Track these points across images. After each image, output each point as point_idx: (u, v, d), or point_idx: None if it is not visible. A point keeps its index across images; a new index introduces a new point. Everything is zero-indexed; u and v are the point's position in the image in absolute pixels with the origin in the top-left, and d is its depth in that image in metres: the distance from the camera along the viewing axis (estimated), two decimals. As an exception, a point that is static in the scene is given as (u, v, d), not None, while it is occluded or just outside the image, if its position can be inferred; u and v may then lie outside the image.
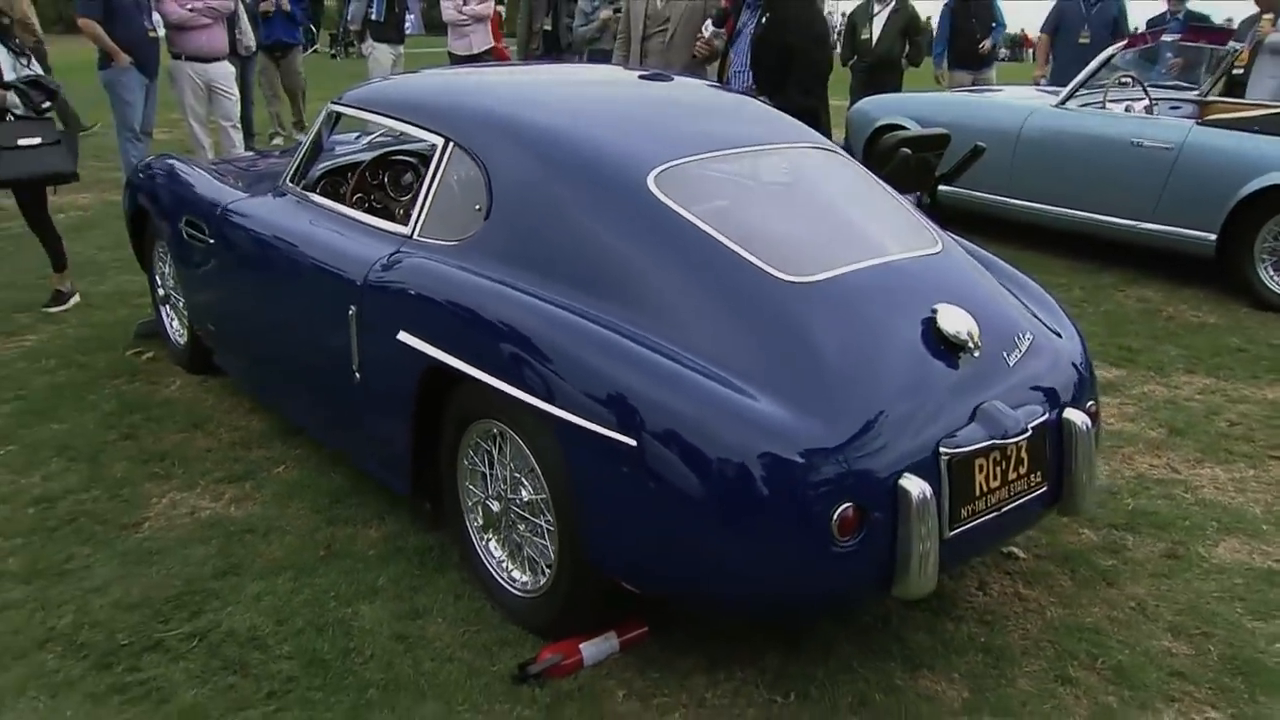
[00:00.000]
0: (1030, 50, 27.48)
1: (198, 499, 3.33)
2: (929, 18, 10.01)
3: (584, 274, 2.56)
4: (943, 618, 2.73)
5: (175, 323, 4.44)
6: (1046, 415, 2.48)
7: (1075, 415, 2.53)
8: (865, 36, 8.14)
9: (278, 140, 9.89)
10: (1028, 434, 2.38)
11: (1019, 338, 2.61)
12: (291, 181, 3.67)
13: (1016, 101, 6.99)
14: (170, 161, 4.36)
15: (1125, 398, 4.29)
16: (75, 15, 6.73)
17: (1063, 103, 6.48)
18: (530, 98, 3.23)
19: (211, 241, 3.78)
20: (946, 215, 5.88)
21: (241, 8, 8.60)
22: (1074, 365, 2.72)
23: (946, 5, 9.01)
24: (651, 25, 6.15)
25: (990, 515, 2.37)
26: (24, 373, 4.37)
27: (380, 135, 4.24)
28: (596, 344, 2.38)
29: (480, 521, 2.79)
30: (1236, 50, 6.85)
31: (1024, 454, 2.41)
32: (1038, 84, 8.38)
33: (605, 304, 2.47)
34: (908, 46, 8.18)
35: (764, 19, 5.43)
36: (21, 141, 4.69)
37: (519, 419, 2.50)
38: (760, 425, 2.20)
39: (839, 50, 8.63)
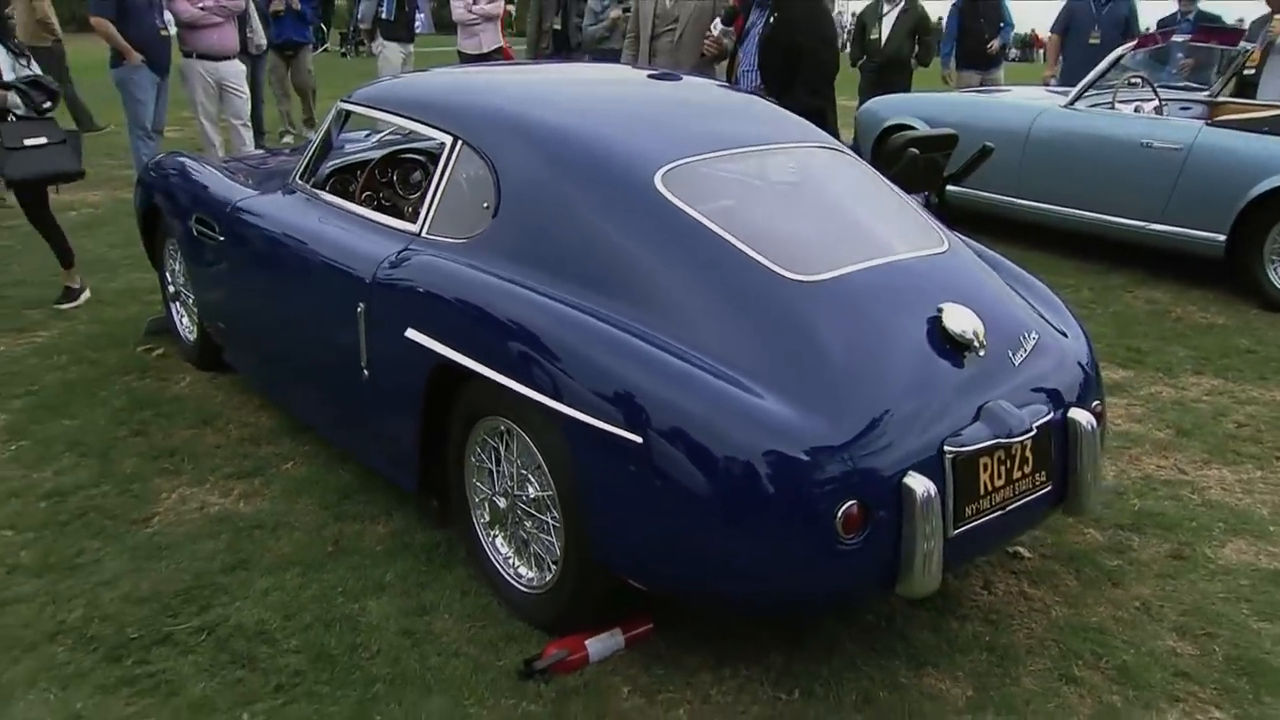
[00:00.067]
0: (1040, 50, 27.42)
1: (207, 494, 3.36)
2: (940, 19, 10.00)
3: (591, 272, 2.58)
4: (947, 616, 2.74)
5: (185, 320, 4.47)
6: (1051, 415, 2.49)
7: (1080, 415, 2.54)
8: (874, 36, 8.15)
9: (288, 138, 9.93)
10: (1032, 433, 2.39)
11: (1024, 337, 2.61)
12: (301, 179, 3.69)
13: (1025, 102, 6.97)
14: (181, 159, 4.38)
15: (1133, 398, 4.28)
16: (88, 14, 6.76)
17: (1072, 103, 6.47)
18: (538, 96, 3.24)
19: (221, 239, 3.80)
20: (955, 215, 5.90)
21: (252, 6, 8.66)
22: (1080, 365, 2.72)
23: (955, 5, 9.01)
24: (660, 24, 6.16)
25: (995, 514, 2.38)
26: (36, 369, 4.40)
27: (389, 133, 4.26)
28: (603, 342, 2.39)
29: (487, 518, 2.80)
30: (1247, 51, 6.82)
31: (1029, 453, 2.42)
32: (1047, 84, 8.37)
33: (612, 302, 2.48)
34: (917, 47, 8.18)
35: (772, 19, 5.43)
36: (28, 142, 4.72)
37: (526, 416, 2.51)
38: (766, 423, 2.21)
39: (848, 50, 8.63)
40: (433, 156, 3.49)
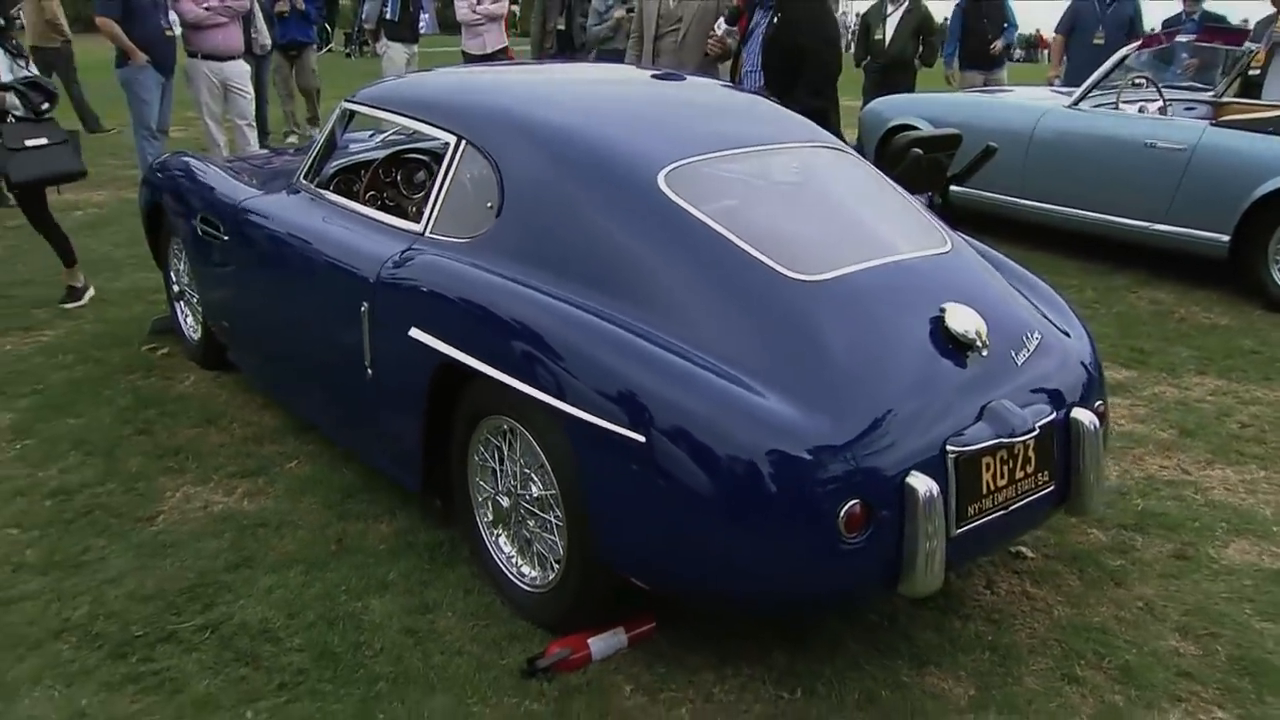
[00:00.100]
0: (1045, 51, 27.38)
1: (211, 493, 3.37)
2: (945, 20, 10.00)
3: (594, 272, 2.58)
4: (950, 616, 2.74)
5: (190, 319, 4.48)
6: (1054, 414, 2.49)
7: (1083, 415, 2.54)
8: (878, 37, 8.15)
9: (292, 139, 9.95)
10: (1035, 433, 2.39)
11: (1027, 337, 2.61)
12: (305, 179, 3.70)
13: (1029, 102, 6.97)
14: (186, 159, 4.40)
15: (1136, 399, 4.28)
16: (94, 14, 6.78)
17: (1076, 103, 6.46)
18: (542, 96, 3.25)
19: (226, 238, 3.81)
20: (958, 216, 5.89)
21: (257, 7, 8.67)
22: (1082, 365, 2.72)
23: (958, 5, 9.00)
24: (664, 25, 6.16)
25: (997, 514, 2.38)
26: (41, 368, 4.42)
27: (393, 133, 4.27)
28: (606, 341, 2.40)
29: (490, 517, 2.81)
30: (1252, 51, 6.81)
31: (1031, 453, 2.42)
32: (1052, 85, 8.37)
33: (615, 301, 2.49)
34: (921, 47, 8.18)
35: (775, 19, 5.43)
36: (29, 142, 4.72)
37: (529, 415, 2.52)
38: (768, 423, 2.21)
39: (852, 51, 8.63)
40: (436, 156, 3.50)
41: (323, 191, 3.62)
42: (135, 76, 6.83)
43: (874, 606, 2.73)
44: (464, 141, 3.01)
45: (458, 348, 2.65)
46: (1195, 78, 7.56)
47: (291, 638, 2.62)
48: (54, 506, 3.27)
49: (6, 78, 4.80)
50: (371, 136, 4.47)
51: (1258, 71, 6.86)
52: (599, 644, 2.53)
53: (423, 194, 3.64)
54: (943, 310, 2.46)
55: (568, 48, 8.08)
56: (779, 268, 2.48)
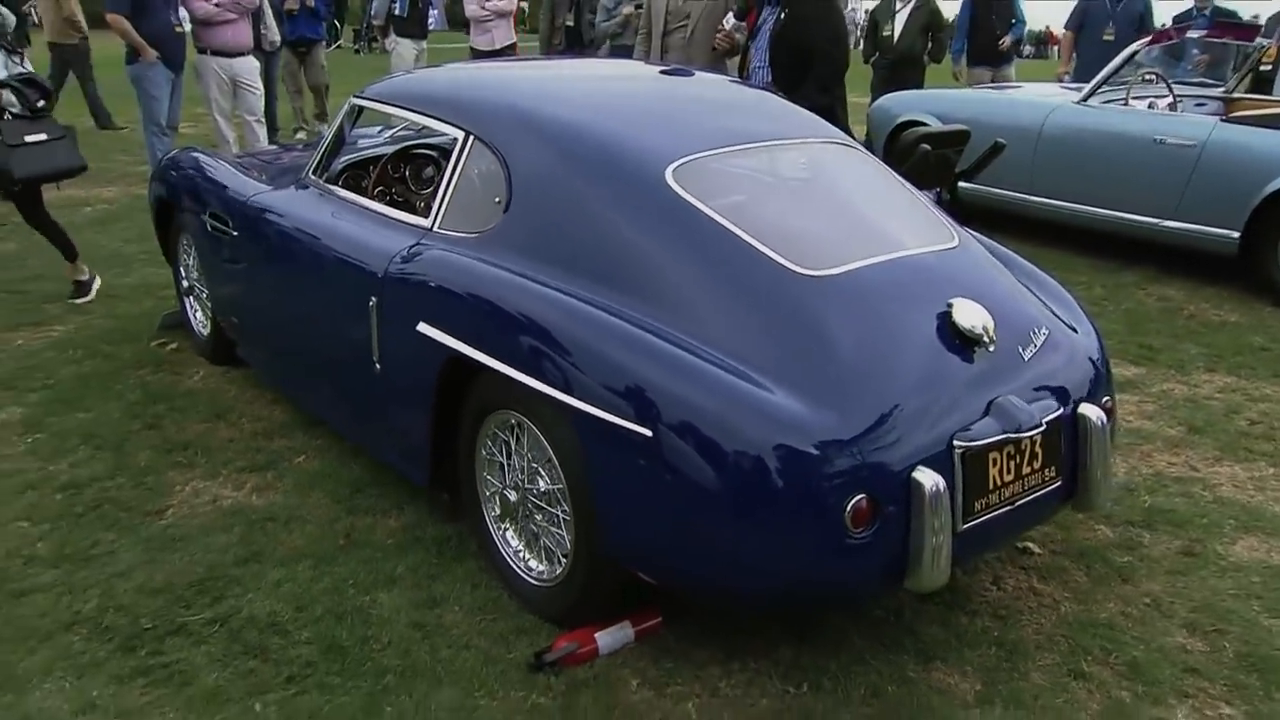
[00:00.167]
0: (1055, 47, 27.29)
1: (220, 487, 3.38)
2: (953, 19, 9.96)
3: (602, 267, 2.59)
4: (956, 611, 2.74)
5: (199, 314, 4.50)
6: (1061, 410, 2.49)
7: (1090, 410, 2.54)
8: (887, 33, 8.13)
9: (300, 135, 9.97)
10: (1042, 428, 2.39)
11: (1035, 333, 2.61)
12: (314, 174, 3.71)
13: (1038, 98, 6.95)
14: (195, 155, 4.41)
15: (1145, 395, 4.27)
16: (104, 11, 6.81)
17: (1085, 99, 6.44)
18: (550, 92, 3.25)
19: (235, 234, 3.83)
20: (967, 212, 5.89)
21: (266, 3, 8.70)
22: (1090, 361, 2.72)
23: (967, 1, 8.97)
24: (673, 21, 6.17)
25: (1004, 509, 2.38)
26: (52, 362, 4.44)
27: (402, 129, 4.27)
28: (614, 336, 2.40)
29: (498, 511, 2.82)
30: (1264, 46, 6.78)
31: (1038, 448, 2.42)
32: (1061, 81, 8.34)
33: (622, 297, 2.49)
34: (929, 43, 8.16)
35: (782, 15, 5.43)
36: (28, 138, 4.72)
37: (537, 410, 2.53)
38: (775, 417, 2.22)
39: (861, 47, 8.61)
40: (445, 152, 3.51)
41: (331, 187, 3.63)
42: (145, 73, 6.85)
43: (880, 602, 2.74)
44: (472, 137, 3.02)
45: (466, 342, 2.65)
46: (1206, 73, 7.53)
47: (300, 631, 2.63)
48: (64, 500, 3.29)
49: (1, 74, 4.81)
50: (380, 132, 4.48)
51: (1269, 67, 6.84)
52: (606, 638, 2.54)
53: (431, 189, 3.65)
54: (950, 306, 2.46)
55: (576, 44, 8.09)
56: (787, 263, 2.48)
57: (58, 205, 7.01)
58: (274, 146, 7.06)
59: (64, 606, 2.73)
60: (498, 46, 8.55)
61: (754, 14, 5.98)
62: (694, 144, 2.82)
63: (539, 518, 2.67)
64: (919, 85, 8.05)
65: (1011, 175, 6.45)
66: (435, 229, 2.99)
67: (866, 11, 11.41)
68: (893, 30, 8.08)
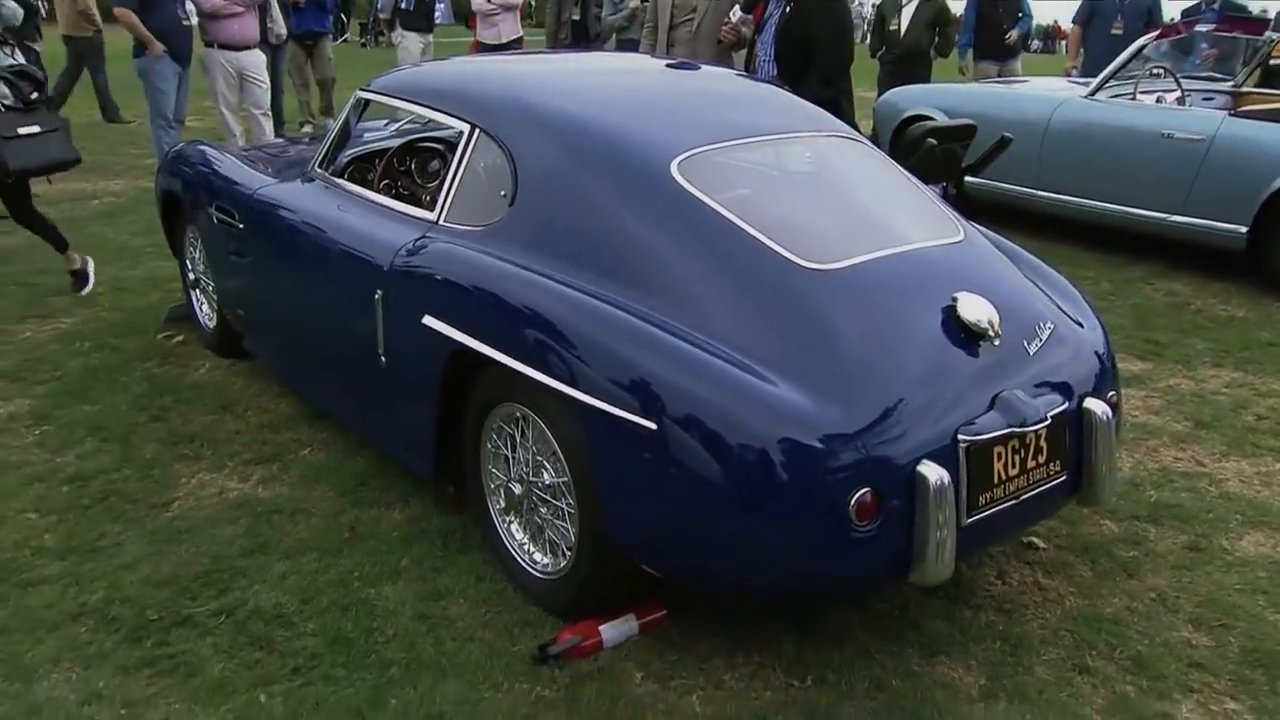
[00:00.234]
0: (1063, 42, 27.18)
1: (226, 480, 3.39)
2: (959, 13, 9.93)
3: (607, 260, 2.59)
4: (961, 605, 2.74)
5: (205, 307, 4.51)
6: (1066, 404, 2.49)
7: (1095, 405, 2.53)
8: (894, 28, 8.12)
9: (307, 128, 9.98)
10: (1047, 423, 2.39)
11: (1040, 327, 2.61)
12: (320, 167, 3.71)
13: (1046, 93, 6.92)
14: (202, 148, 4.42)
15: (1151, 390, 4.26)
16: (112, 5, 6.82)
17: (1093, 94, 6.42)
18: (556, 86, 3.25)
19: (241, 226, 3.83)
20: (973, 206, 5.89)
21: (273, -3, 8.71)
22: (1095, 355, 2.71)
23: (973, -6, 8.94)
24: (679, 15, 6.16)
25: (1008, 503, 2.38)
26: (59, 355, 4.45)
27: (408, 122, 4.28)
28: (619, 329, 2.40)
29: (502, 504, 2.82)
30: (1273, 41, 6.75)
31: (1043, 443, 2.42)
32: (1069, 75, 8.31)
33: (628, 290, 2.49)
34: (936, 38, 8.14)
35: (788, 9, 5.42)
36: (21, 130, 4.72)
37: (542, 403, 2.53)
38: (780, 411, 2.22)
39: (867, 42, 8.59)
40: (450, 145, 3.51)
41: (337, 180, 3.63)
42: (152, 66, 6.87)
43: (884, 595, 2.74)
44: (478, 130, 3.02)
45: (471, 335, 2.66)
46: (1214, 68, 7.49)
47: (305, 623, 2.64)
48: (71, 492, 3.30)
49: None
50: (386, 125, 4.48)
51: (1278, 61, 6.80)
52: (610, 631, 2.55)
53: (437, 182, 3.65)
54: (955, 300, 2.46)
55: (582, 38, 8.09)
56: (792, 257, 2.48)
57: (65, 199, 7.07)
58: (280, 140, 7.07)
59: (71, 597, 2.74)
60: (504, 40, 8.55)
61: (760, 8, 5.97)
62: (699, 137, 2.81)
63: (544, 511, 2.67)
64: (925, 80, 8.03)
65: (1018, 170, 6.44)
66: (441, 222, 2.99)
67: (873, 6, 11.38)
68: (899, 25, 8.06)
